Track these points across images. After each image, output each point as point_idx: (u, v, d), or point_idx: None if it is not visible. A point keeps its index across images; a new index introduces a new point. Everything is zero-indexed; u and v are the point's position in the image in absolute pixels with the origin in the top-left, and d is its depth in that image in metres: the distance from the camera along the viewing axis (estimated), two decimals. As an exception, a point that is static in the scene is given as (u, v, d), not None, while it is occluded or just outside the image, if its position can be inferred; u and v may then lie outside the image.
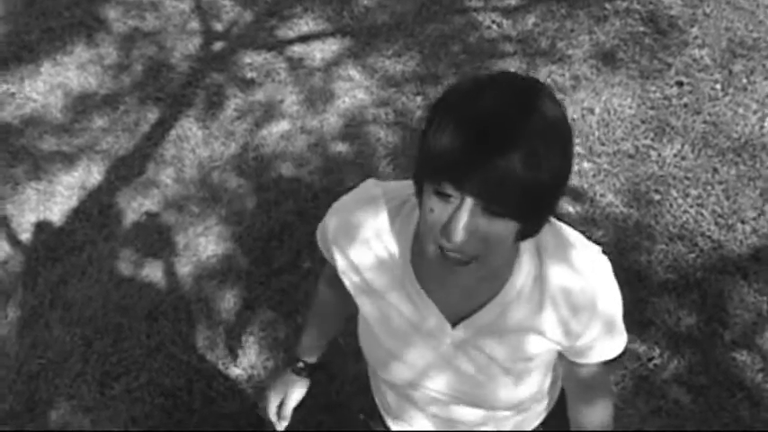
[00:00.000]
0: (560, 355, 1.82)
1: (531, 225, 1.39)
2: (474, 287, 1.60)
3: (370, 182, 1.72)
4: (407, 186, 1.61)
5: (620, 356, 1.77)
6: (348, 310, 2.00)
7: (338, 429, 3.41)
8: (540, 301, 1.59)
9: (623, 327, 1.72)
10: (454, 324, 1.65)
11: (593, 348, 1.70)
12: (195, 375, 3.73)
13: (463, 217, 1.30)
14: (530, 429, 2.04)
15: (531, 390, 1.78)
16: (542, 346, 1.66)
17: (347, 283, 1.73)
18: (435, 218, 1.34)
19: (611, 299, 1.63)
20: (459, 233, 1.31)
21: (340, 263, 1.70)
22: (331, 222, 1.69)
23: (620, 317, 1.69)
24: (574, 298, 1.58)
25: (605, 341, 1.69)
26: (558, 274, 1.57)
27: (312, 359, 2.23)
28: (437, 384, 1.76)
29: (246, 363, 3.75)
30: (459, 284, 1.60)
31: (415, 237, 1.60)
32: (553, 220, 1.59)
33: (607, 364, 1.81)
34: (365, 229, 1.64)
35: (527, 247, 1.57)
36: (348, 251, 1.67)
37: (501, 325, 1.63)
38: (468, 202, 1.29)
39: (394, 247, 1.63)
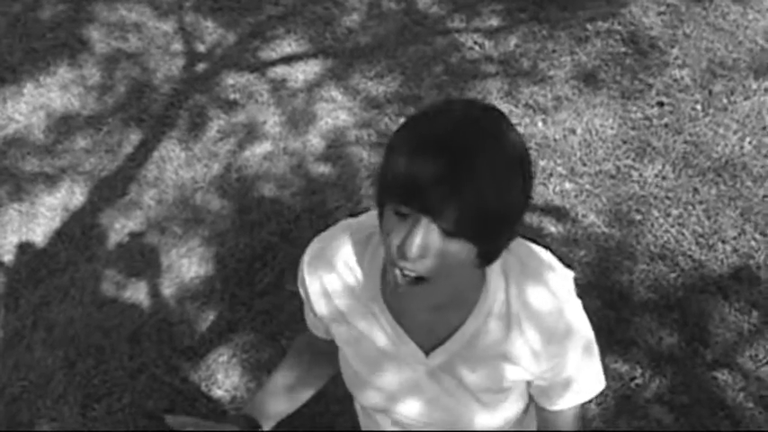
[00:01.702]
0: (535, 404, 1.83)
1: (488, 248, 1.39)
2: (444, 314, 1.60)
3: (343, 221, 1.74)
4: (375, 218, 1.64)
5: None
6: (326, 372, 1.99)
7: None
8: (509, 325, 1.59)
9: (599, 365, 1.71)
10: (428, 352, 1.65)
11: (569, 385, 1.69)
12: (178, 397, 3.73)
13: (417, 233, 1.30)
14: None
15: (506, 416, 1.78)
16: (515, 375, 1.65)
17: (322, 311, 1.73)
18: (394, 238, 1.35)
19: (582, 326, 1.62)
20: (412, 249, 1.30)
21: (313, 292, 1.71)
22: (306, 257, 1.71)
23: (595, 348, 1.68)
24: (543, 323, 1.57)
25: (581, 374, 1.67)
26: (525, 299, 1.57)
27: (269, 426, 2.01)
28: (409, 410, 1.76)
29: (229, 384, 3.74)
30: (429, 312, 1.60)
31: (384, 267, 1.60)
32: (522, 241, 1.60)
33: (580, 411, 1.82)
34: (337, 261, 1.66)
35: (494, 270, 1.57)
36: (322, 279, 1.68)
37: (473, 351, 1.63)
38: (423, 220, 1.29)
39: (364, 279, 1.64)
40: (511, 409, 1.78)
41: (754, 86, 4.61)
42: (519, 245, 1.59)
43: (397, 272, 1.38)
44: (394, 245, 1.35)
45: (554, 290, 1.59)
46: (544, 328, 1.58)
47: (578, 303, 1.64)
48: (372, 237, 1.64)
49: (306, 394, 2.05)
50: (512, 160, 1.31)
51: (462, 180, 1.25)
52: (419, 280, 1.38)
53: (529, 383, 1.74)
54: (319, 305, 1.71)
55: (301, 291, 1.80)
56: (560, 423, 1.84)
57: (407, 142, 1.31)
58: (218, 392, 3.72)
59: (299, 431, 3.39)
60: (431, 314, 1.61)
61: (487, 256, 1.41)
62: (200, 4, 5.68)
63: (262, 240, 4.25)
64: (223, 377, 3.77)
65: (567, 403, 1.73)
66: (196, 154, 4.72)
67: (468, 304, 1.59)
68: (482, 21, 5.29)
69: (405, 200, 1.30)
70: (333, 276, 1.66)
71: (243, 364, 3.80)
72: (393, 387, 1.73)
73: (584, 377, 1.69)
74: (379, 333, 1.66)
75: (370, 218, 1.65)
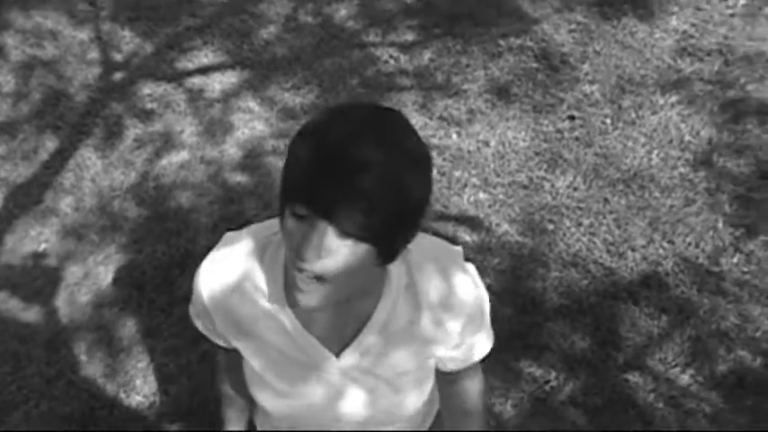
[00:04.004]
0: (437, 375, 1.88)
1: (388, 248, 1.41)
2: (348, 313, 1.62)
3: (228, 234, 1.73)
4: (266, 227, 1.66)
5: (487, 357, 1.85)
6: None
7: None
8: (416, 309, 1.63)
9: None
10: (338, 354, 1.67)
11: (473, 346, 1.77)
12: (96, 403, 3.70)
13: (315, 238, 1.32)
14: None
15: (423, 398, 1.83)
16: (429, 353, 1.71)
17: (227, 330, 1.72)
18: (293, 239, 1.37)
19: (480, 297, 1.70)
20: (310, 254, 1.33)
21: (219, 318, 1.69)
22: (201, 284, 1.68)
23: (488, 313, 1.76)
24: (447, 299, 1.63)
25: (481, 335, 1.77)
26: (428, 281, 1.63)
27: None
28: (334, 415, 1.78)
29: (148, 390, 3.73)
30: (334, 313, 1.62)
31: (285, 272, 1.61)
32: None
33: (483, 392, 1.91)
34: (236, 278, 1.65)
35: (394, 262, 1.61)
36: (225, 305, 1.66)
37: (384, 342, 1.66)
38: (320, 222, 1.31)
39: (266, 289, 1.64)
40: (427, 389, 1.82)
41: (661, 102, 4.75)
42: None
43: (297, 274, 1.40)
44: (293, 246, 1.37)
45: (454, 270, 1.66)
46: (452, 304, 1.64)
47: (473, 272, 1.72)
48: (269, 244, 1.64)
49: None
50: (407, 161, 1.33)
51: (356, 184, 1.27)
52: (320, 279, 1.40)
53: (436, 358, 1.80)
54: (223, 325, 1.70)
55: (198, 323, 1.82)
56: (468, 397, 1.93)
57: (305, 147, 1.32)
58: (136, 398, 3.71)
59: None
60: (336, 314, 1.63)
61: (388, 255, 1.44)
62: (117, 13, 5.67)
63: (179, 248, 4.25)
64: (141, 383, 3.76)
65: (466, 362, 1.82)
66: (113, 162, 4.70)
67: (372, 298, 1.62)
68: (397, 35, 5.37)
69: (302, 202, 1.32)
70: (234, 293, 1.65)
71: (162, 369, 3.79)
72: (312, 396, 1.74)
73: (482, 338, 1.79)
74: (288, 342, 1.66)
75: (265, 226, 1.69)
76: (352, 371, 1.69)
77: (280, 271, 1.62)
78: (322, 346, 1.66)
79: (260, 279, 1.64)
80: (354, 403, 1.75)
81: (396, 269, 1.62)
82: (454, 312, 1.64)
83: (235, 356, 1.81)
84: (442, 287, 1.63)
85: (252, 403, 2.01)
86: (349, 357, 1.67)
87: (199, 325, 1.82)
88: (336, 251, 1.35)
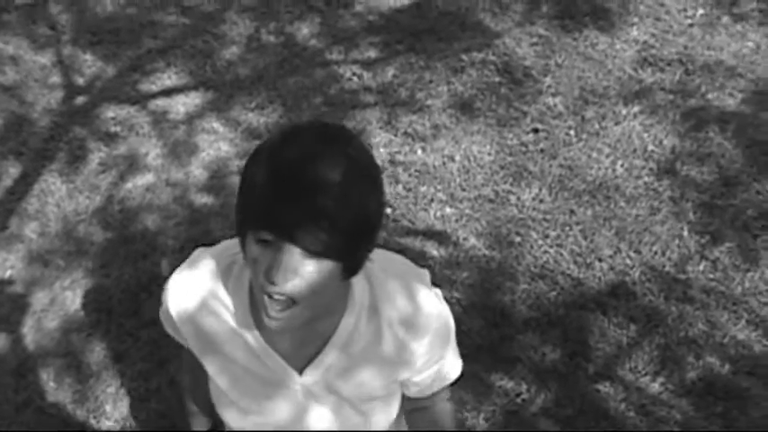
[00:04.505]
0: (405, 403, 1.89)
1: (352, 262, 1.43)
2: (312, 330, 1.63)
3: (198, 251, 1.74)
4: (235, 244, 1.64)
5: (458, 380, 1.86)
6: None
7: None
8: (378, 328, 1.64)
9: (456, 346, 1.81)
10: (301, 371, 1.67)
11: (441, 370, 1.78)
12: (66, 429, 3.67)
13: (282, 261, 1.33)
14: None
15: (392, 417, 1.83)
16: (389, 377, 1.71)
17: (197, 353, 1.73)
18: (260, 265, 1.37)
19: (445, 317, 1.70)
20: (280, 277, 1.34)
21: (187, 333, 1.71)
22: (170, 298, 1.69)
23: (453, 334, 1.77)
24: (411, 320, 1.64)
25: (448, 358, 1.77)
26: (391, 301, 1.63)
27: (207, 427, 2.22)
28: None
29: (118, 415, 3.71)
30: (297, 330, 1.61)
31: (250, 291, 1.63)
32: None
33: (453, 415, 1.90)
34: (203, 295, 1.66)
35: (357, 279, 1.61)
36: (192, 321, 1.68)
37: (345, 362, 1.66)
38: (285, 245, 1.32)
39: (233, 307, 1.65)
40: (395, 408, 1.83)
41: (624, 112, 4.79)
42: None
43: (267, 299, 1.41)
44: (261, 272, 1.37)
45: (418, 291, 1.66)
46: (415, 328, 1.65)
47: (438, 294, 1.73)
48: (234, 264, 1.65)
49: None
50: (362, 176, 1.36)
51: (317, 204, 1.28)
52: (290, 304, 1.41)
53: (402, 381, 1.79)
54: (191, 340, 1.71)
55: (169, 329, 1.82)
56: (437, 419, 1.93)
57: (261, 171, 1.34)
58: (107, 423, 3.68)
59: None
60: (300, 332, 1.63)
61: (352, 268, 1.45)
62: (79, 36, 5.65)
63: (146, 271, 4.23)
64: (111, 408, 3.73)
65: (437, 386, 1.83)
66: (78, 186, 4.67)
67: (335, 316, 1.63)
68: (360, 52, 5.38)
69: (264, 227, 1.33)
70: (201, 310, 1.67)
71: (131, 393, 3.77)
72: (278, 413, 1.74)
73: (450, 359, 1.79)
74: (253, 360, 1.67)
75: (228, 246, 1.69)
76: (314, 388, 1.70)
77: (245, 292, 1.63)
78: (285, 363, 1.66)
79: (226, 298, 1.65)
80: (320, 422, 1.75)
81: (359, 288, 1.63)
82: (418, 332, 1.65)
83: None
84: (405, 306, 1.64)
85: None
86: (311, 375, 1.67)
87: (167, 328, 1.84)
88: (304, 271, 1.36)
